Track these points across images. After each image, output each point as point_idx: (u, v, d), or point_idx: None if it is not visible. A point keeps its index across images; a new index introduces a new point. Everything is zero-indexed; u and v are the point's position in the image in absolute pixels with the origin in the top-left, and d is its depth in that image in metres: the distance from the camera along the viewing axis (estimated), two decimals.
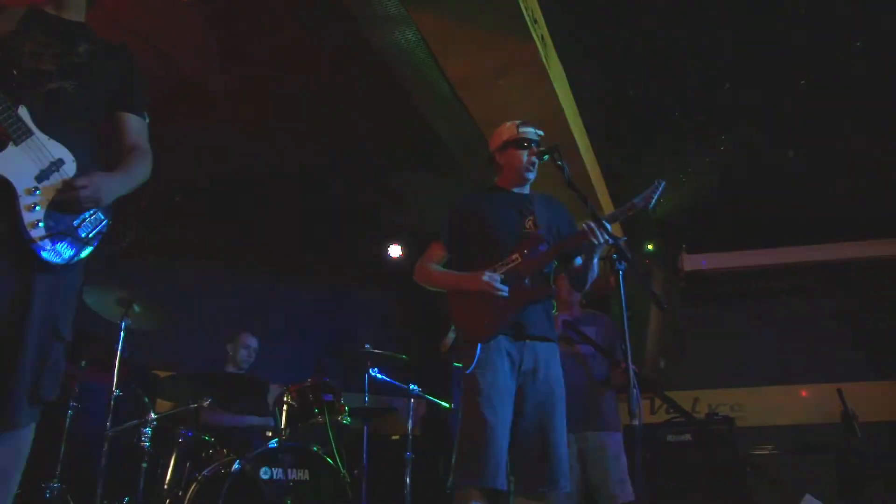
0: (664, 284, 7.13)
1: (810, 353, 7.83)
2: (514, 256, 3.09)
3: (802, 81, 5.45)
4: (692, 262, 8.01)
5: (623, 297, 2.88)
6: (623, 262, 2.92)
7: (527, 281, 3.06)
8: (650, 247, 8.15)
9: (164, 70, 4.88)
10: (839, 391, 6.18)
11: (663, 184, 3.13)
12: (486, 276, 3.01)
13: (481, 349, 2.98)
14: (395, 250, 7.78)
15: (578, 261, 3.30)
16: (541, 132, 3.33)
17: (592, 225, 2.98)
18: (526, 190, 3.37)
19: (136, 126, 2.56)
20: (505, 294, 3.00)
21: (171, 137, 5.36)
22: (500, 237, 3.17)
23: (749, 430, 7.46)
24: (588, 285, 3.32)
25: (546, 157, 3.22)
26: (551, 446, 2.93)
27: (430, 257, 3.31)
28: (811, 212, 7.54)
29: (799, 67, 5.32)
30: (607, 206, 6.70)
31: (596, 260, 3.20)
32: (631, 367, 2.83)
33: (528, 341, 3.05)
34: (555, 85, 4.70)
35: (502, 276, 3.03)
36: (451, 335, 3.16)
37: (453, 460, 2.92)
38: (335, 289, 7.98)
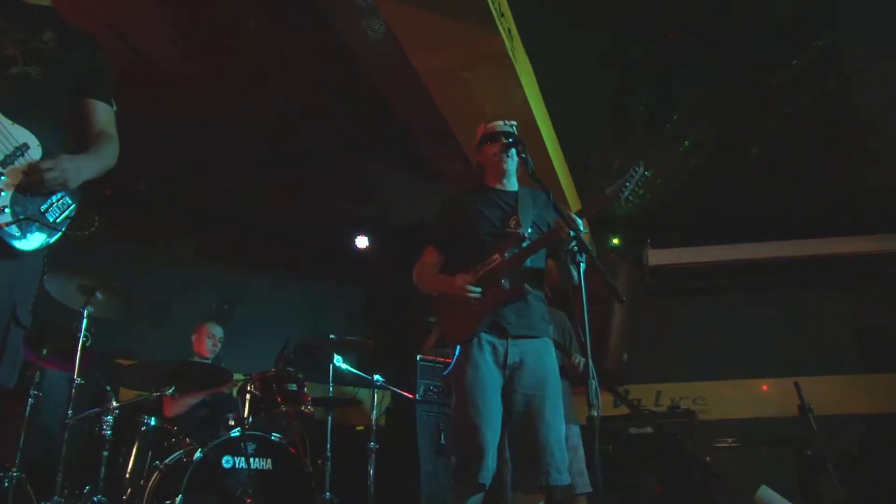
0: (629, 279, 7.20)
1: (771, 348, 7.91)
2: (494, 257, 3.17)
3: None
4: (658, 257, 8.11)
5: (583, 291, 2.93)
6: (583, 255, 2.96)
7: (503, 281, 3.13)
8: (615, 241, 8.23)
9: (130, 56, 4.85)
10: (796, 384, 6.30)
11: (642, 168, 3.24)
12: (460, 279, 3.14)
13: (460, 350, 3.10)
14: (361, 241, 7.79)
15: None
16: (513, 122, 3.42)
17: (561, 220, 3.03)
18: (512, 186, 3.44)
19: (103, 113, 2.56)
20: (477, 295, 3.10)
21: (137, 124, 5.36)
22: (483, 237, 3.26)
23: (711, 424, 7.54)
24: (575, 277, 3.37)
25: (512, 150, 3.30)
26: (543, 439, 2.98)
27: (425, 260, 3.44)
28: (772, 209, 7.67)
29: (763, 65, 5.41)
30: (573, 199, 6.75)
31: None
32: (590, 358, 2.88)
33: (511, 339, 3.11)
34: (521, 78, 4.74)
35: (476, 279, 3.13)
36: (433, 336, 3.29)
37: (452, 464, 3.02)
38: (302, 279, 7.99)
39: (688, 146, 6.32)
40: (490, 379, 3.02)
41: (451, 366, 3.12)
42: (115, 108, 2.60)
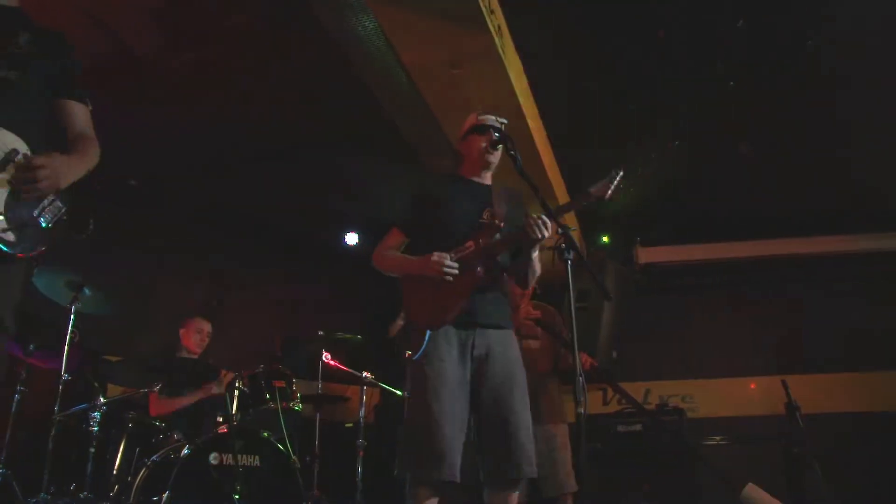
0: (618, 277, 7.23)
1: (759, 346, 8.02)
2: (468, 244, 3.11)
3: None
4: (647, 255, 8.14)
5: (570, 288, 2.92)
6: (570, 252, 2.96)
7: (478, 269, 3.07)
8: (605, 239, 8.26)
9: (111, 47, 4.79)
10: (783, 383, 6.33)
11: (621, 173, 3.14)
12: (436, 256, 3.03)
13: (429, 337, 2.99)
14: (351, 238, 7.81)
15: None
16: (504, 120, 3.37)
17: (532, 219, 3.00)
18: (487, 180, 3.41)
19: (81, 114, 2.53)
20: (455, 271, 3.02)
21: (125, 119, 5.38)
22: (457, 226, 3.18)
23: (699, 422, 7.64)
24: (531, 283, 3.39)
25: (499, 146, 3.29)
26: (513, 430, 2.94)
27: (388, 242, 3.31)
28: (760, 207, 7.71)
29: (753, 61, 5.43)
30: (563, 197, 6.76)
31: (535, 255, 3.22)
32: (577, 356, 2.87)
33: (479, 329, 3.06)
34: (510, 75, 4.76)
35: (453, 256, 3.05)
36: (401, 320, 3.19)
37: (398, 449, 2.95)
38: (291, 276, 7.99)
39: (678, 143, 6.33)
40: (454, 373, 2.95)
41: (420, 350, 2.98)
42: (90, 107, 2.56)
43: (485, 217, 3.21)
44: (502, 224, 3.17)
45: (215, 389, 5.00)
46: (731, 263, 8.28)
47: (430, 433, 2.84)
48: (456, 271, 3.03)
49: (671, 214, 7.85)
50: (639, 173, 6.29)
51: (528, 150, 5.43)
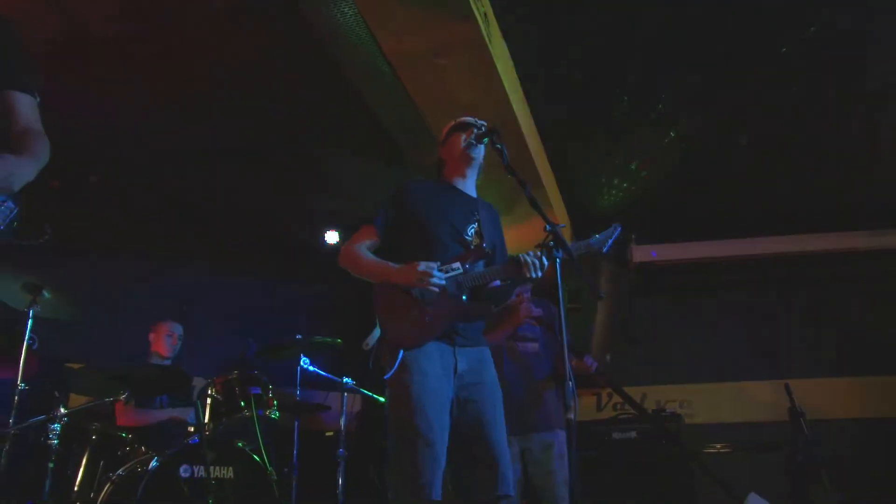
0: (612, 276, 7.23)
1: (761, 349, 7.99)
2: (455, 265, 3.09)
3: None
4: (642, 254, 8.12)
5: (560, 288, 2.91)
6: (560, 251, 2.95)
7: (464, 297, 3.07)
8: (597, 236, 8.21)
9: (72, 35, 4.67)
10: (787, 387, 6.33)
11: (619, 229, 3.21)
12: (423, 266, 2.97)
13: (403, 354, 2.95)
14: (331, 237, 7.76)
15: (497, 283, 3.27)
16: (482, 122, 3.35)
17: (528, 259, 2.99)
18: (472, 190, 3.40)
19: (27, 106, 2.42)
20: (443, 283, 2.99)
21: (84, 111, 5.32)
22: (442, 238, 3.17)
23: (698, 428, 7.63)
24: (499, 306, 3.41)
25: (485, 140, 3.27)
26: (495, 451, 2.96)
27: (359, 240, 3.24)
28: (763, 202, 7.72)
29: (752, 52, 5.42)
30: (553, 192, 6.76)
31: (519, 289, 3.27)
32: (567, 359, 2.86)
33: (458, 348, 3.06)
34: (497, 65, 4.73)
35: (440, 265, 3.02)
36: (376, 332, 3.11)
37: (390, 476, 2.92)
38: (267, 276, 7.95)
39: (674, 136, 6.34)
40: (439, 388, 2.93)
41: (392, 370, 2.93)
42: (38, 100, 2.46)
43: (469, 234, 3.22)
44: (491, 251, 3.19)
45: (185, 418, 4.97)
46: (731, 262, 8.27)
47: (421, 458, 2.81)
48: (444, 283, 3.00)
49: (667, 210, 7.86)
50: (633, 167, 6.30)
51: (516, 143, 5.41)
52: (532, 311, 4.54)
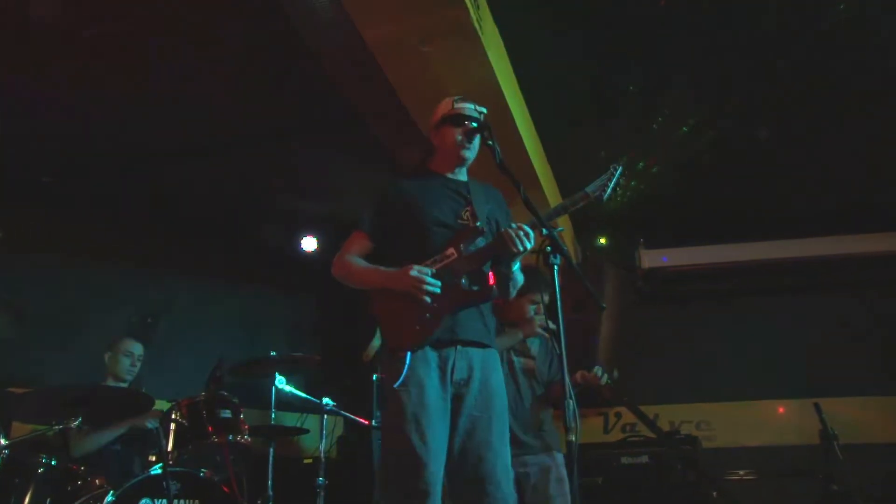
0: (618, 284, 7.26)
1: (787, 363, 7.95)
2: (449, 251, 3.16)
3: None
4: (652, 259, 8.15)
5: (557, 296, 2.94)
6: (558, 256, 2.99)
7: (463, 280, 3.13)
8: (602, 241, 8.26)
9: (17, 20, 4.69)
10: (817, 406, 6.30)
11: (620, 170, 3.24)
12: (415, 271, 3.06)
13: (411, 359, 3.03)
14: (309, 243, 7.78)
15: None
16: (483, 109, 3.42)
17: (512, 231, 3.07)
18: (463, 175, 3.47)
19: None
20: (437, 290, 3.05)
21: (33, 105, 5.31)
22: (433, 228, 3.24)
23: (717, 452, 7.67)
24: (513, 293, 3.43)
25: (476, 135, 3.32)
26: (491, 467, 3.01)
27: (351, 249, 3.34)
28: (788, 201, 7.75)
29: (772, 36, 5.44)
30: (551, 192, 6.78)
31: (516, 267, 3.29)
32: (566, 375, 2.89)
33: (459, 347, 3.12)
34: (489, 53, 4.76)
35: (434, 271, 3.09)
36: (376, 342, 3.18)
37: (377, 493, 2.98)
38: (237, 287, 7.95)
39: (686, 131, 6.37)
40: (437, 402, 3.00)
41: (401, 377, 3.00)
42: None
43: (464, 217, 3.28)
44: (485, 228, 3.23)
45: (148, 424, 4.93)
46: (750, 267, 8.25)
47: (413, 471, 2.89)
48: (437, 289, 3.07)
49: (679, 212, 7.88)
50: (641, 165, 6.32)
51: (510, 138, 5.44)
52: (545, 325, 4.60)
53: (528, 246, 3.08)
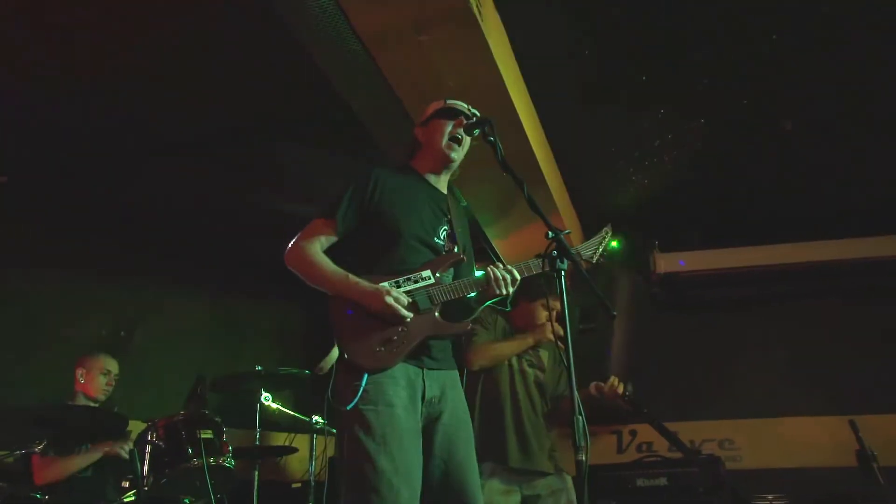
0: (632, 290, 7.26)
1: (819, 376, 7.90)
2: (425, 273, 3.20)
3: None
4: (668, 263, 8.13)
5: (565, 304, 2.96)
6: (565, 261, 3.01)
7: (437, 312, 3.18)
8: (614, 244, 8.22)
9: None
10: (852, 423, 6.26)
11: (609, 232, 3.41)
12: (391, 298, 3.04)
13: (367, 380, 2.99)
14: None
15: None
16: (476, 111, 3.47)
17: (500, 272, 3.15)
18: (443, 185, 3.53)
19: None
20: (409, 316, 3.09)
21: None
22: (410, 240, 3.27)
23: (743, 474, 7.66)
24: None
25: (476, 131, 3.34)
26: (475, 489, 3.10)
27: (315, 236, 3.27)
28: (817, 199, 7.75)
29: (801, 13, 5.34)
30: (557, 191, 6.78)
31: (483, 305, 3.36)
32: (574, 389, 2.91)
33: (425, 370, 3.16)
34: (490, 42, 4.77)
35: (410, 300, 3.11)
36: (334, 354, 3.11)
37: None
38: (219, 296, 7.97)
39: (703, 121, 6.36)
40: (408, 422, 3.00)
41: (354, 400, 2.96)
42: None
43: (442, 238, 3.36)
44: (463, 257, 3.33)
45: (122, 452, 4.93)
46: (776, 271, 8.18)
47: (385, 500, 2.85)
48: (410, 316, 3.09)
49: (697, 211, 7.90)
50: (655, 159, 6.32)
51: (513, 134, 5.45)
52: (559, 333, 4.65)
53: (512, 290, 3.18)
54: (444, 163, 3.44)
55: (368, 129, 5.86)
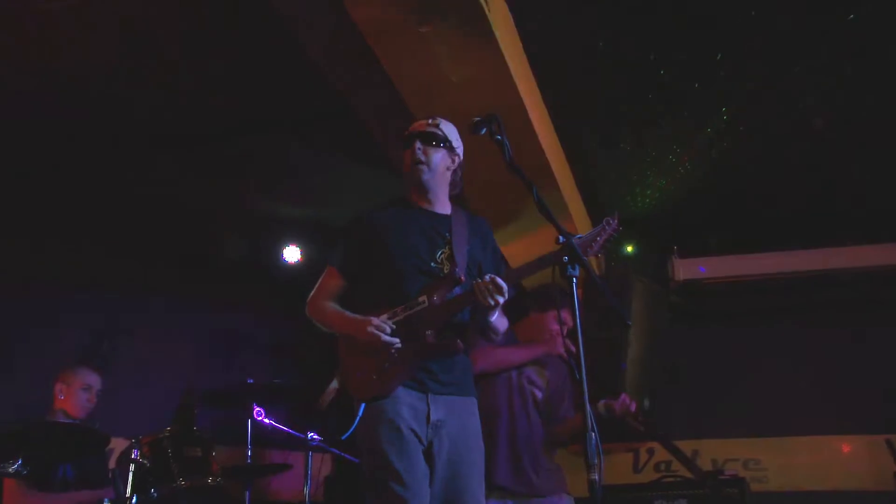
0: (648, 299, 7.24)
1: (851, 392, 7.86)
2: (420, 299, 3.35)
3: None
4: (687, 270, 8.13)
5: (577, 313, 2.98)
6: (576, 267, 3.04)
7: (429, 332, 3.31)
8: (629, 249, 8.28)
9: None
10: (889, 443, 6.27)
11: (614, 223, 3.37)
12: (372, 326, 3.25)
13: (364, 408, 3.24)
14: (291, 253, 7.81)
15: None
16: (436, 118, 3.63)
17: (482, 284, 3.24)
18: (444, 208, 3.65)
19: None
20: (397, 344, 3.24)
21: None
22: (405, 271, 3.44)
23: (769, 497, 7.70)
24: (499, 335, 3.62)
25: (483, 129, 3.36)
26: None
27: (325, 287, 3.59)
28: (845, 202, 7.73)
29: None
30: (571, 194, 6.78)
31: (493, 317, 3.43)
32: (587, 405, 2.92)
33: (430, 395, 3.30)
34: (498, 35, 4.77)
35: (394, 327, 3.27)
36: (335, 385, 3.39)
37: None
38: (209, 305, 7.98)
39: (727, 119, 6.36)
40: (411, 440, 3.19)
41: (352, 428, 3.26)
42: None
43: (438, 260, 3.48)
44: (462, 276, 3.39)
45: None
46: (804, 279, 8.15)
47: None
48: (397, 344, 3.25)
49: (719, 214, 7.91)
50: (673, 161, 6.31)
51: (522, 133, 5.43)
52: (570, 348, 4.69)
53: (500, 300, 3.24)
54: (421, 188, 3.58)
55: (367, 126, 5.87)
